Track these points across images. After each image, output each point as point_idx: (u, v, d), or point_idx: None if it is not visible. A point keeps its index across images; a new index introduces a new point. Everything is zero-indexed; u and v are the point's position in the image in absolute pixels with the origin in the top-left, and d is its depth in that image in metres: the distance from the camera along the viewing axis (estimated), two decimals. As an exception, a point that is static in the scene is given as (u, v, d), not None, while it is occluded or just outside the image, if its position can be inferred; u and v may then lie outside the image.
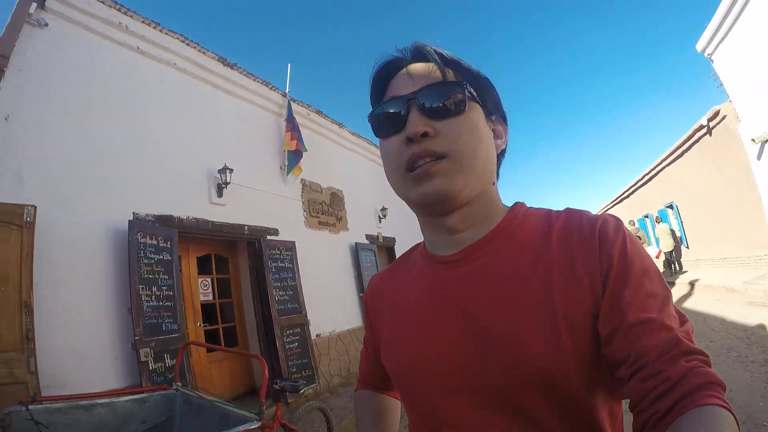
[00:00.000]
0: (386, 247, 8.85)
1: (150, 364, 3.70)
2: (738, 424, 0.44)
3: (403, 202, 0.67)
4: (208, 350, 4.84)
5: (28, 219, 3.08)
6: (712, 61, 7.95)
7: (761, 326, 5.46)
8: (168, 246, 4.17)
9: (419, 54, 0.65)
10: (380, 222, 8.56)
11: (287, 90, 6.61)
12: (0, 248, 2.93)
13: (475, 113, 0.62)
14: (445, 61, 0.64)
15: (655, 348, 0.50)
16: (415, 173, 0.60)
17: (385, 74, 0.67)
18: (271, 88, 6.29)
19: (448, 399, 0.61)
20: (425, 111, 0.60)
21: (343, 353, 6.52)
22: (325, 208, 7.02)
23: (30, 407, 2.25)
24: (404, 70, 0.65)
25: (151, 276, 3.93)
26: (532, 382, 0.55)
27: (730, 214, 9.33)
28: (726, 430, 0.42)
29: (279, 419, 2.97)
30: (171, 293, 4.10)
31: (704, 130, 8.87)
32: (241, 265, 5.64)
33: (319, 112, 7.20)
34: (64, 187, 3.52)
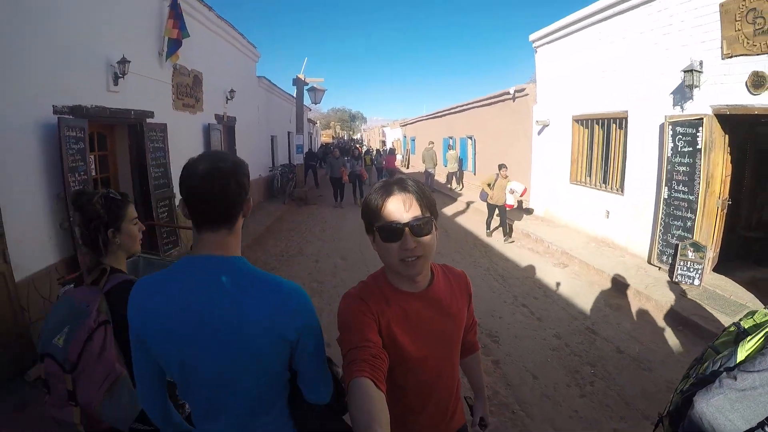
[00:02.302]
0: (228, 126, 9.57)
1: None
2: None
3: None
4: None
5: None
6: (536, 51, 9.59)
7: (492, 245, 7.91)
8: (82, 135, 4.59)
9: (403, 187, 1.16)
10: (227, 103, 9.14)
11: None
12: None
13: (434, 230, 1.18)
14: (419, 196, 1.15)
15: (473, 325, 1.55)
16: (406, 262, 1.14)
17: (385, 194, 1.16)
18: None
19: (431, 349, 1.27)
20: (414, 232, 1.12)
21: (196, 220, 7.76)
22: (189, 90, 7.37)
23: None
24: (399, 196, 1.14)
25: (74, 164, 4.45)
26: (459, 335, 1.36)
27: (508, 159, 10.51)
28: (480, 360, 1.65)
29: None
30: (86, 177, 4.70)
31: (509, 96, 11.30)
32: (118, 142, 5.98)
33: (195, -4, 7.02)
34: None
